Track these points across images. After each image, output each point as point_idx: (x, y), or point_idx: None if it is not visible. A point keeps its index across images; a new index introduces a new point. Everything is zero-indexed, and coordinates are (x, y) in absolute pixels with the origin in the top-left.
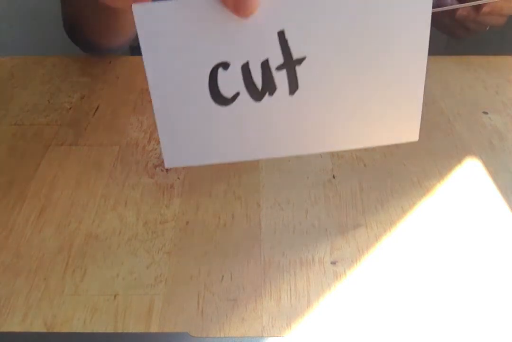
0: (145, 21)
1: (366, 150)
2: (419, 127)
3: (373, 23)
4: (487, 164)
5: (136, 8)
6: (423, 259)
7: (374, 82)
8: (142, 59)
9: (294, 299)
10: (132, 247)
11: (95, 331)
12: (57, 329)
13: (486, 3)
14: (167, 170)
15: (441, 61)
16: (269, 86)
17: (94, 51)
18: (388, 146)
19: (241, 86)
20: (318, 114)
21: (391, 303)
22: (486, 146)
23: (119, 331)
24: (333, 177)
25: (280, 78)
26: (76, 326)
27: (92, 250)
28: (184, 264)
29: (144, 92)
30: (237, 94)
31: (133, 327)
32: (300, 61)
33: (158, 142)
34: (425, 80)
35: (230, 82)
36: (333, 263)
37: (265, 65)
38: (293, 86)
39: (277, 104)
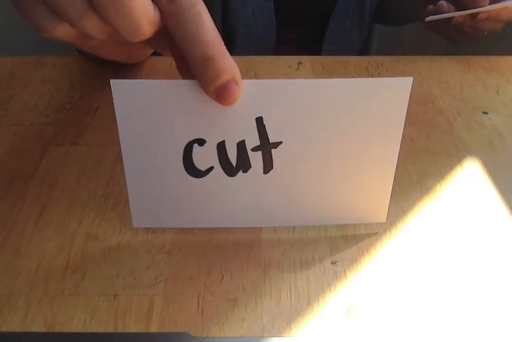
0: (123, 96)
1: None
2: (387, 210)
3: (349, 113)
4: (487, 164)
5: (114, 83)
6: (423, 259)
7: (347, 166)
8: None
9: (294, 299)
10: (132, 247)
11: (95, 331)
12: (57, 329)
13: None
14: None
15: (441, 61)
16: (244, 164)
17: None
18: None
19: (215, 162)
20: (289, 193)
21: (391, 303)
22: (486, 146)
23: (119, 331)
24: None
25: (255, 158)
26: (76, 326)
27: (92, 250)
28: (184, 264)
29: None
30: (211, 168)
31: (133, 327)
32: (276, 145)
33: None
34: (425, 80)
35: (204, 157)
36: (333, 263)
37: (241, 145)
38: (268, 166)
39: (250, 181)
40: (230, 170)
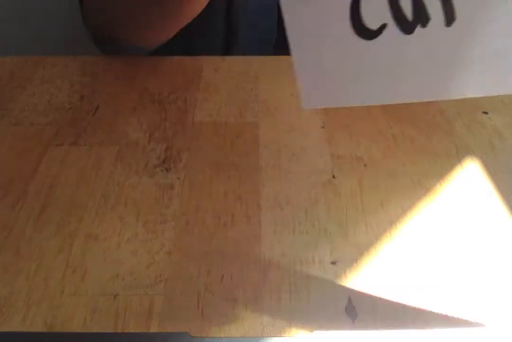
0: None
1: (366, 150)
2: None
3: None
4: (487, 164)
5: None
6: (423, 259)
7: None
8: (141, 59)
9: (294, 299)
10: (132, 247)
11: (95, 331)
12: (57, 329)
13: None
14: (167, 170)
15: None
16: (421, 17)
17: (115, 50)
18: (388, 146)
19: (388, 18)
20: (474, 50)
21: (391, 303)
22: (486, 146)
23: (119, 331)
24: (333, 177)
25: (434, 7)
26: (76, 326)
27: (92, 250)
28: (184, 264)
29: (144, 92)
30: (384, 26)
31: (133, 327)
32: None
33: (158, 142)
34: None
35: (375, 13)
36: (333, 263)
37: None
38: (450, 16)
39: (431, 37)
40: (406, 26)
